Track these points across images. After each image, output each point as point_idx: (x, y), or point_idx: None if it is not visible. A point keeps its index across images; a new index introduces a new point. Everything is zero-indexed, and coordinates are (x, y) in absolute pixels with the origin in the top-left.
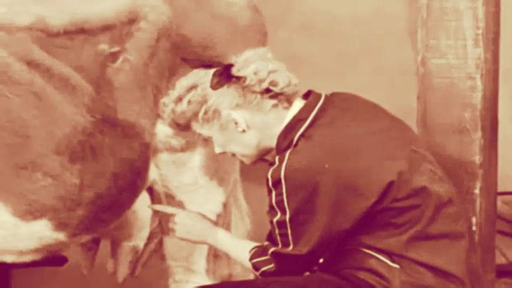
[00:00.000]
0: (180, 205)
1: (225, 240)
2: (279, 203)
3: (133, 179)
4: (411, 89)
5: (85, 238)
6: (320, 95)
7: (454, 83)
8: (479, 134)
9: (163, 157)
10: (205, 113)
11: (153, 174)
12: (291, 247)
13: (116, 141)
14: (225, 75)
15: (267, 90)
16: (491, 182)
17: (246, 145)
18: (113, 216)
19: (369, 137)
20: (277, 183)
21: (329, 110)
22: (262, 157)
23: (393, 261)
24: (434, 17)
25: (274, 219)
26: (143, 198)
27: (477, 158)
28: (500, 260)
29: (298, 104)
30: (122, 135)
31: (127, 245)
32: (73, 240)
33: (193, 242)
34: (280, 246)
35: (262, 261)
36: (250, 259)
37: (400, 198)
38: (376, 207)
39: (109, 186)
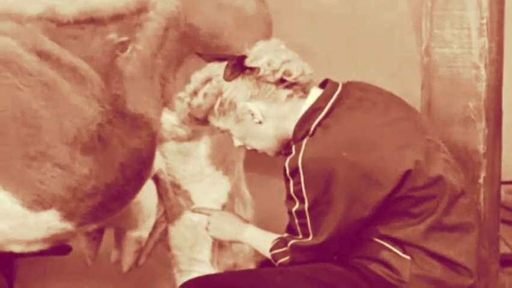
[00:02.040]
0: (186, 194)
1: (254, 236)
2: (298, 192)
3: (139, 168)
4: (415, 79)
5: (92, 227)
6: (336, 84)
7: (459, 72)
8: (483, 123)
9: (169, 146)
10: (221, 105)
11: (159, 163)
12: (310, 237)
13: (125, 132)
14: (239, 67)
15: (281, 81)
16: (495, 171)
17: (263, 136)
18: (120, 206)
19: (386, 126)
20: (295, 172)
21: (345, 100)
22: (285, 148)
23: (404, 252)
24: (439, 6)
25: (293, 209)
26: (149, 188)
27: (481, 148)
28: (504, 249)
29: (314, 93)
30: (131, 125)
31: (131, 235)
32: (80, 229)
33: (225, 240)
34: (300, 236)
35: (280, 252)
36: (271, 250)
37: (418, 187)
38: (393, 196)
39: (116, 177)
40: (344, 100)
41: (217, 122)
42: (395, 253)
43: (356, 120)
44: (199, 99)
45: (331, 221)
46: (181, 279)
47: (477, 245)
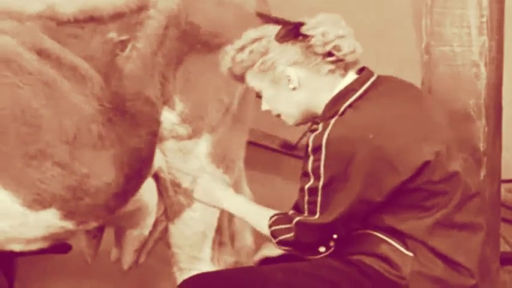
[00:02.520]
0: (186, 193)
1: (243, 207)
2: (316, 169)
3: (139, 167)
4: (415, 77)
5: (92, 226)
6: (372, 72)
7: (458, 70)
8: (483, 121)
9: (170, 145)
10: (263, 64)
11: (159, 161)
12: (317, 215)
13: (125, 130)
14: (293, 32)
15: (329, 54)
16: (495, 169)
17: (292, 104)
18: (120, 204)
19: (414, 116)
20: (317, 149)
21: (379, 86)
22: (305, 122)
23: (407, 249)
24: (439, 4)
25: (306, 186)
26: (149, 186)
27: (481, 146)
28: (504, 247)
29: (351, 76)
30: (130, 123)
31: (132, 233)
32: (80, 228)
33: (208, 205)
34: (306, 214)
35: (282, 229)
36: (270, 226)
37: (434, 181)
38: (408, 185)
39: (116, 175)
40: (377, 87)
41: (252, 80)
42: (397, 248)
43: (385, 106)
44: (243, 55)
45: (343, 200)
46: (181, 278)
47: (483, 246)
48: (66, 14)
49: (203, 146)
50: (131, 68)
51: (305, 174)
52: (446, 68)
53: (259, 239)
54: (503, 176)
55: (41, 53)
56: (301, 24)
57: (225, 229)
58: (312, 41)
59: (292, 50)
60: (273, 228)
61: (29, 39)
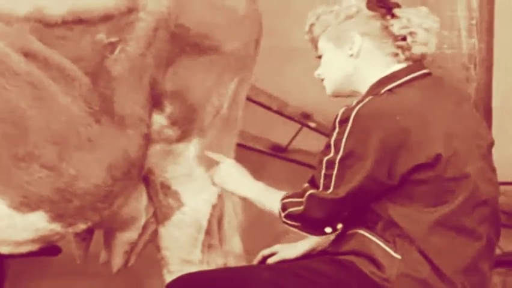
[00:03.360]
0: (176, 195)
1: (260, 192)
2: (338, 141)
3: (127, 169)
4: None
5: (81, 228)
6: (424, 67)
7: (449, 73)
8: None
9: (159, 147)
10: (339, 24)
11: (149, 164)
12: (330, 189)
13: (113, 132)
14: (385, 7)
15: (403, 39)
16: None
17: (341, 69)
18: (109, 206)
19: (447, 111)
20: (344, 121)
21: (425, 80)
22: (342, 93)
23: (396, 251)
24: (429, 7)
25: (325, 158)
26: (139, 188)
27: None
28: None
29: (404, 65)
30: (118, 125)
31: (121, 236)
32: (69, 230)
33: (228, 190)
34: (321, 188)
35: (293, 202)
36: (283, 198)
37: (444, 177)
38: (418, 174)
39: (104, 177)
40: (423, 79)
41: (323, 40)
42: (385, 250)
43: (422, 96)
44: (330, 15)
45: (357, 175)
46: None
47: (478, 258)
48: (55, 16)
49: (192, 148)
50: (120, 70)
51: (327, 147)
52: (436, 71)
53: (248, 242)
54: None
55: (29, 55)
56: (396, 4)
57: (215, 231)
58: (395, 22)
59: (372, 23)
60: (284, 200)
61: (16, 41)
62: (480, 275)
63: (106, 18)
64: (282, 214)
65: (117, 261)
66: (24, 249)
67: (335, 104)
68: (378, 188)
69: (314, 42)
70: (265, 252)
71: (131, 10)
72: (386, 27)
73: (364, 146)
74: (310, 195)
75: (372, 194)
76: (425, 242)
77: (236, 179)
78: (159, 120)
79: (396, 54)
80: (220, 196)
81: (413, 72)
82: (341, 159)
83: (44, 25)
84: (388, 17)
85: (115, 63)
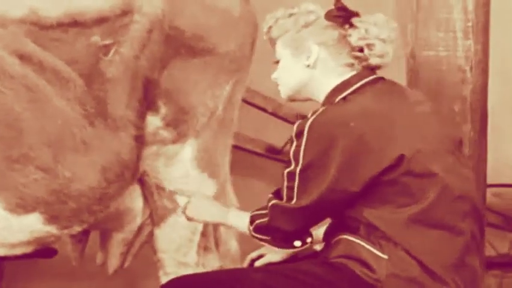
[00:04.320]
0: (171, 196)
1: (239, 216)
2: (296, 153)
3: (120, 171)
4: (400, 81)
5: (76, 230)
6: (374, 73)
7: (444, 75)
8: (468, 126)
9: (154, 149)
10: (297, 32)
11: (144, 166)
12: (293, 201)
13: (106, 134)
14: (344, 17)
15: (360, 50)
16: (481, 174)
17: (296, 77)
18: (104, 208)
19: (403, 114)
20: (300, 134)
21: (377, 84)
22: (296, 99)
23: (383, 252)
24: (424, 9)
25: (286, 171)
26: (135, 189)
27: (467, 150)
28: (489, 252)
29: (355, 72)
30: (112, 127)
31: (117, 237)
32: (65, 232)
33: (203, 221)
34: (284, 200)
35: (259, 214)
36: (252, 212)
37: (412, 177)
38: (384, 177)
39: (98, 179)
40: (375, 84)
41: (280, 45)
42: (373, 252)
43: (375, 101)
44: (288, 20)
45: (317, 186)
46: None
47: (464, 253)
48: (50, 18)
49: (188, 150)
50: (114, 72)
51: (288, 160)
52: (432, 72)
53: (244, 245)
54: (489, 181)
55: (24, 57)
56: (355, 14)
57: (210, 234)
58: (353, 33)
59: (330, 32)
60: (252, 213)
61: (11, 44)
62: (470, 271)
63: (101, 20)
64: (251, 228)
65: (113, 263)
66: (19, 251)
67: None
68: (342, 196)
69: (272, 43)
70: (253, 255)
71: (126, 12)
72: (344, 37)
73: (322, 155)
74: (272, 205)
75: (337, 202)
76: (406, 242)
77: (208, 209)
78: (154, 121)
79: (352, 65)
80: (216, 198)
81: (365, 78)
82: (301, 171)
83: (39, 27)
84: (346, 26)
85: (109, 66)
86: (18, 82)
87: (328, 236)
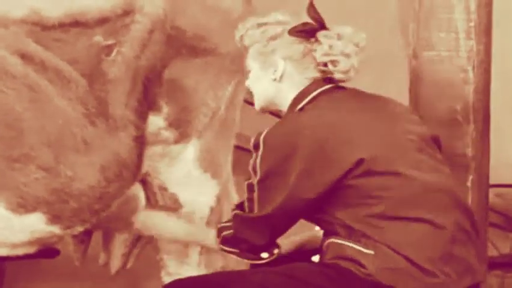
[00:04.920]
0: (173, 197)
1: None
2: (254, 165)
3: (119, 170)
4: (403, 82)
5: (78, 230)
6: (331, 82)
7: (446, 75)
8: (471, 126)
9: (156, 149)
10: (265, 46)
11: (146, 166)
12: (255, 211)
13: (107, 134)
14: (310, 32)
15: (325, 65)
16: (483, 174)
17: (264, 91)
18: (104, 207)
19: (361, 120)
20: (256, 146)
21: (333, 93)
22: (268, 112)
23: (367, 248)
24: (426, 9)
25: (246, 182)
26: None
27: (469, 151)
28: (492, 252)
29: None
30: (112, 127)
31: (120, 238)
32: (67, 232)
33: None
34: (246, 211)
35: (225, 226)
36: (219, 223)
37: (374, 178)
38: (346, 181)
39: (98, 178)
40: (331, 93)
41: (250, 56)
42: (358, 249)
43: (331, 109)
44: (257, 32)
45: (278, 195)
46: None
47: (449, 244)
48: (51, 18)
49: (190, 150)
50: (116, 73)
51: (249, 173)
52: (434, 73)
53: None
54: (491, 181)
55: (25, 57)
56: (322, 27)
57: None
58: (318, 47)
59: (296, 46)
60: (219, 225)
61: (13, 44)
62: (460, 262)
63: (103, 20)
64: (218, 240)
65: (115, 263)
66: (21, 251)
67: None
68: (302, 203)
69: (245, 51)
70: None
71: (127, 12)
72: (310, 51)
73: (279, 164)
74: (234, 215)
75: (298, 209)
76: (386, 239)
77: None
78: (156, 121)
79: (318, 80)
80: (218, 199)
81: (320, 87)
82: (260, 182)
83: (41, 27)
84: (312, 40)
85: (111, 66)
86: (20, 82)
87: (322, 243)
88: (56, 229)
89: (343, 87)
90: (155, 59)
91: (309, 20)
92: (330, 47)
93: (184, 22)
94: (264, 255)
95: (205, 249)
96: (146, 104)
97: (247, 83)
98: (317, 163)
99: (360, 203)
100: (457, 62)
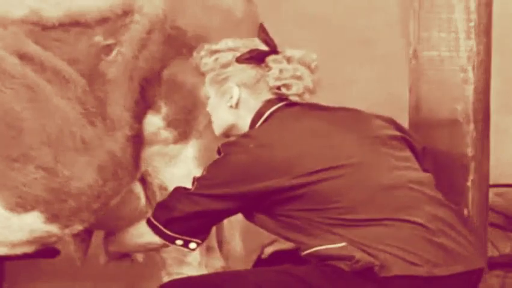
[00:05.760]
0: None
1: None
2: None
3: (114, 170)
4: (403, 82)
5: (77, 229)
6: (285, 100)
7: (446, 75)
8: (471, 126)
9: (156, 149)
10: (218, 74)
11: (146, 166)
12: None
13: (105, 133)
14: (258, 58)
15: (278, 88)
16: (483, 174)
17: (223, 118)
18: (102, 206)
19: (310, 134)
20: (218, 152)
21: (285, 110)
22: (228, 136)
23: (339, 243)
24: (426, 9)
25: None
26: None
27: (469, 151)
28: (492, 252)
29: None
30: (110, 127)
31: None
32: (66, 232)
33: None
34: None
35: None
36: None
37: (317, 183)
38: (289, 192)
39: (95, 178)
40: (283, 110)
41: (206, 82)
42: (333, 248)
43: (279, 125)
44: (210, 60)
45: (217, 188)
46: None
47: (426, 237)
48: (51, 18)
49: (190, 150)
50: (115, 73)
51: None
52: (434, 73)
53: (249, 244)
54: (491, 181)
55: (24, 57)
56: (271, 53)
57: (213, 234)
58: (269, 73)
59: (248, 72)
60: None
61: (12, 43)
62: (446, 251)
63: (103, 20)
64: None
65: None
66: (20, 250)
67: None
68: (220, 208)
69: (203, 76)
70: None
71: (127, 13)
72: (263, 76)
73: (222, 172)
74: (176, 187)
75: (214, 215)
76: (356, 236)
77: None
78: (155, 121)
79: (272, 101)
80: None
81: (273, 106)
82: (200, 178)
83: (40, 27)
84: (263, 65)
85: (110, 66)
86: (19, 82)
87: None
88: (54, 228)
89: (296, 103)
90: (153, 59)
91: (261, 45)
92: (281, 71)
93: (184, 22)
94: (179, 242)
95: (205, 249)
96: (143, 104)
97: (207, 109)
98: (252, 172)
99: (320, 209)
100: (457, 62)
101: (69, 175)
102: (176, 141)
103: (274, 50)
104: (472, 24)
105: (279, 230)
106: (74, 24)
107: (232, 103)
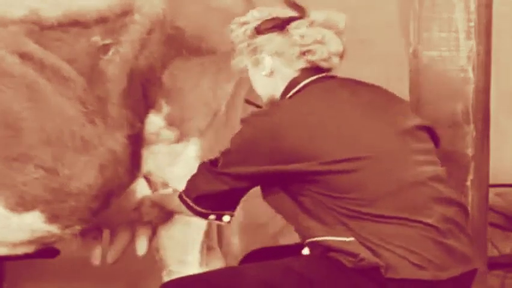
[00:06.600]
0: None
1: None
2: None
3: (115, 169)
4: (403, 82)
5: (77, 229)
6: (322, 72)
7: (447, 75)
8: (471, 126)
9: (157, 148)
10: (249, 45)
11: (148, 165)
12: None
13: (105, 132)
14: (280, 26)
15: (303, 54)
16: (483, 174)
17: (262, 87)
18: (103, 206)
19: (332, 113)
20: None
21: (319, 83)
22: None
23: (348, 237)
24: (427, 9)
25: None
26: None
27: (469, 151)
28: (492, 252)
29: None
30: (110, 126)
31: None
32: (66, 232)
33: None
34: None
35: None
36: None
37: (341, 172)
38: (309, 176)
39: (96, 177)
40: (317, 84)
41: (239, 55)
42: (340, 240)
43: (306, 102)
44: (239, 31)
45: (240, 164)
46: None
47: (432, 238)
48: (50, 18)
49: (192, 149)
50: (114, 72)
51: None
52: (434, 73)
53: (247, 243)
54: (491, 181)
55: (24, 56)
56: (293, 19)
57: (214, 233)
58: (292, 40)
59: (275, 41)
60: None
61: (12, 43)
62: (454, 252)
63: (101, 20)
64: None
65: (113, 254)
66: (20, 250)
67: None
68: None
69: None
70: None
71: (126, 12)
72: (289, 43)
73: (246, 144)
74: (202, 162)
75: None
76: (364, 231)
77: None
78: (157, 121)
79: (307, 69)
80: None
81: (308, 78)
82: (226, 151)
83: (40, 27)
84: (285, 31)
85: (108, 65)
86: (18, 81)
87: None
88: (54, 228)
89: (334, 77)
90: (153, 59)
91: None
92: (302, 37)
93: (184, 22)
94: (212, 216)
95: (205, 248)
96: (144, 103)
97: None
98: (276, 150)
99: (337, 197)
100: (457, 62)
101: (69, 175)
102: (177, 141)
103: (296, 16)
104: (472, 24)
105: (293, 211)
106: (73, 24)
107: (266, 72)
